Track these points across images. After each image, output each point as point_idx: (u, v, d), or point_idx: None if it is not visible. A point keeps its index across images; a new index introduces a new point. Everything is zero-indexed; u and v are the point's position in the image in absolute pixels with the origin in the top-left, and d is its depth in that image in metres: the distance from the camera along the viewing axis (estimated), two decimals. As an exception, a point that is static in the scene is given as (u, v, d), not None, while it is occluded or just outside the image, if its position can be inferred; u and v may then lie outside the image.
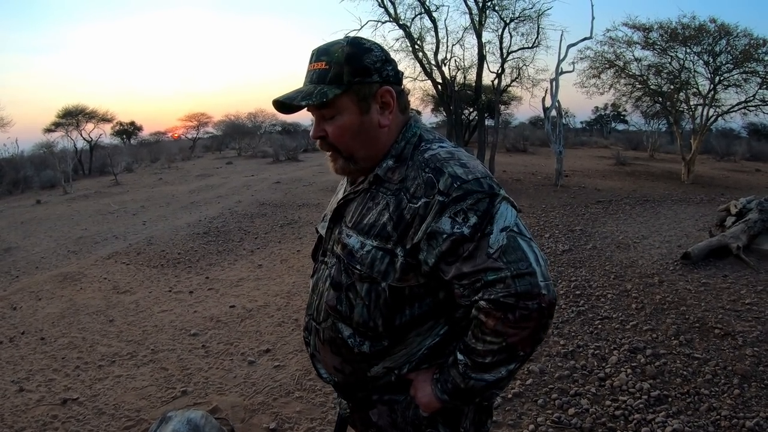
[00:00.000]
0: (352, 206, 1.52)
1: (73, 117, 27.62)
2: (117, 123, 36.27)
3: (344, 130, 1.44)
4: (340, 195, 1.63)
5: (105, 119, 29.51)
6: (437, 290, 1.43)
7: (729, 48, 14.83)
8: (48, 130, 28.01)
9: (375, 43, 1.46)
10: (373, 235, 1.41)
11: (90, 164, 26.91)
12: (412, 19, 15.67)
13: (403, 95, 1.51)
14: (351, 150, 1.46)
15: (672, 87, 16.27)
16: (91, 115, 28.32)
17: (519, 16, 15.40)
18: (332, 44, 1.44)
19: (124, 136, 40.41)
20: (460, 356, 1.39)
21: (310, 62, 1.45)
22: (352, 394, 1.64)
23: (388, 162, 1.45)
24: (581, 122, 49.72)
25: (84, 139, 28.14)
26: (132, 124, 40.45)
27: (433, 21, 15.49)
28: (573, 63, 16.69)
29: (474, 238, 1.29)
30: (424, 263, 1.36)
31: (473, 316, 1.34)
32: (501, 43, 15.65)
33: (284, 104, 1.43)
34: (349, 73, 1.39)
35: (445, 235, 1.30)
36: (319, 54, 1.43)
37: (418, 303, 1.44)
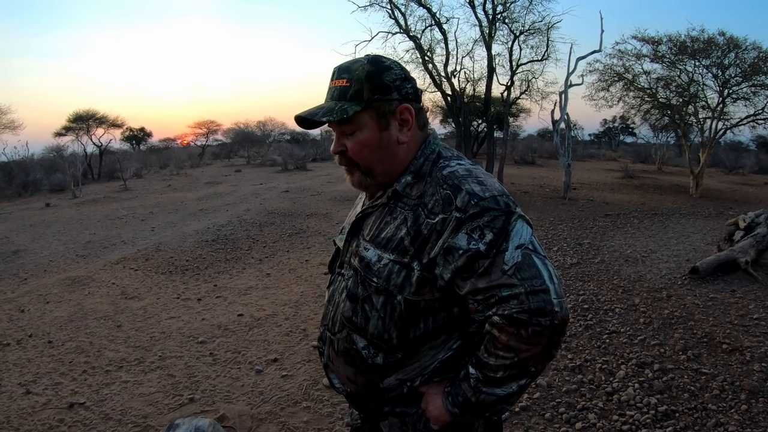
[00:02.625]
0: (370, 220, 1.53)
1: (83, 121, 27.73)
2: (127, 128, 36.55)
3: (363, 146, 1.46)
4: (359, 208, 1.64)
5: (115, 124, 29.67)
6: (452, 305, 1.44)
7: (738, 61, 14.84)
8: (58, 134, 28.12)
9: (395, 62, 1.49)
10: (390, 249, 1.43)
11: (99, 169, 26.99)
12: (423, 31, 15.75)
13: (421, 112, 1.54)
14: (369, 165, 1.49)
15: (681, 100, 16.26)
16: (101, 120, 28.44)
17: (529, 29, 15.48)
18: (353, 62, 1.47)
19: (134, 142, 40.64)
20: (471, 370, 1.40)
21: (332, 79, 1.48)
22: (363, 405, 1.65)
23: (407, 177, 1.48)
24: (590, 135, 49.84)
25: (94, 143, 28.30)
26: (142, 129, 40.73)
27: (443, 33, 15.55)
28: (582, 76, 16.67)
29: (489, 255, 1.30)
30: (440, 278, 1.38)
31: (486, 330, 1.36)
32: (510, 55, 15.71)
33: (306, 120, 1.46)
34: (369, 91, 1.42)
35: (461, 251, 1.32)
36: (341, 71, 1.46)
37: (433, 317, 1.45)
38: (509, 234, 1.32)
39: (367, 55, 1.48)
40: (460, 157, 1.52)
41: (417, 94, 1.51)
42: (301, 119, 1.47)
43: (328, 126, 1.48)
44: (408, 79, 1.48)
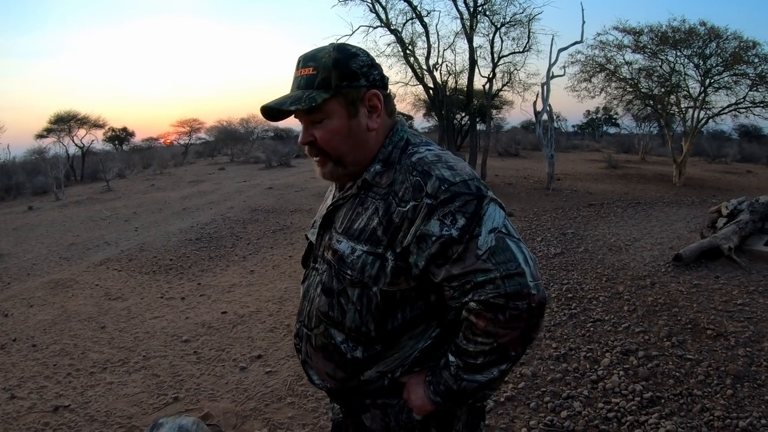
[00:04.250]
0: (342, 212, 1.52)
1: (65, 123, 27.50)
2: (109, 129, 36.17)
3: (333, 134, 1.44)
4: (329, 201, 1.63)
5: (97, 125, 29.40)
6: (429, 293, 1.43)
7: (719, 51, 14.91)
8: (40, 136, 27.88)
9: (361, 48, 1.47)
10: (363, 240, 1.41)
11: (82, 170, 26.81)
12: (404, 24, 15.73)
13: (389, 99, 1.52)
14: (339, 153, 1.46)
15: (663, 90, 16.33)
16: (83, 121, 28.21)
17: (510, 21, 15.47)
18: (319, 50, 1.45)
19: (117, 142, 40.33)
20: (451, 358, 1.39)
21: (297, 68, 1.45)
22: (345, 399, 1.63)
23: (376, 166, 1.46)
24: (573, 126, 49.99)
25: (76, 145, 28.06)
26: (124, 130, 40.40)
27: (425, 26, 15.54)
28: (564, 67, 16.69)
29: (462, 240, 1.29)
30: (415, 266, 1.37)
31: (463, 317, 1.34)
32: (492, 47, 15.70)
33: (273, 111, 1.43)
34: (336, 78, 1.40)
35: (434, 238, 1.31)
36: (306, 60, 1.44)
37: (410, 307, 1.44)
38: (482, 218, 1.30)
39: (332, 43, 1.46)
40: (428, 143, 1.51)
41: (384, 80, 1.49)
42: (267, 110, 1.44)
43: (295, 116, 1.46)
44: (375, 65, 1.47)
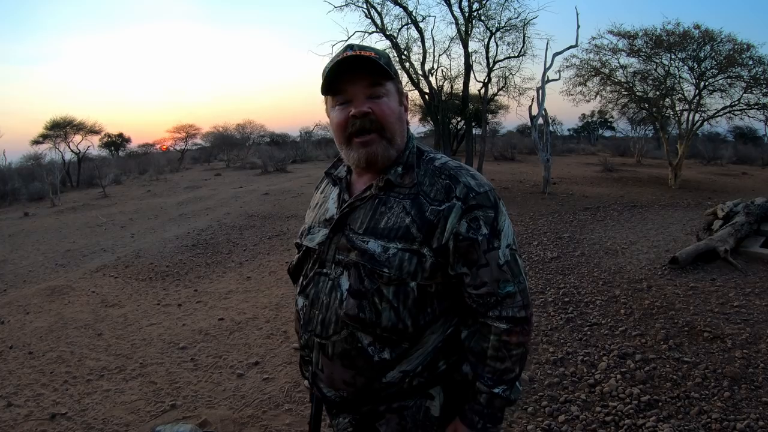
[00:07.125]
0: (359, 213, 1.51)
1: (60, 129, 27.50)
2: (105, 135, 36.25)
3: (392, 111, 1.50)
4: (330, 206, 1.62)
5: (93, 131, 29.39)
6: (457, 288, 1.52)
7: (713, 53, 14.94)
8: (36, 142, 27.92)
9: None
10: (396, 238, 1.44)
11: (78, 176, 26.78)
12: (399, 30, 15.80)
13: None
14: (393, 132, 1.51)
15: (658, 93, 16.36)
16: (78, 127, 28.19)
17: (505, 26, 15.55)
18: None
19: (113, 148, 40.31)
20: (483, 387, 1.49)
21: (351, 50, 1.47)
22: (357, 409, 1.59)
23: (398, 169, 1.51)
24: (568, 129, 50.18)
25: (72, 151, 28.06)
26: (120, 135, 40.40)
27: (420, 31, 15.60)
28: (559, 71, 16.70)
29: (488, 247, 1.43)
30: (451, 268, 1.46)
31: (494, 341, 1.47)
32: (487, 52, 15.77)
33: (350, 65, 1.45)
34: (393, 68, 1.51)
35: (461, 237, 1.42)
36: (362, 47, 1.49)
37: (438, 301, 1.49)
38: (500, 232, 1.46)
39: None
40: (438, 152, 1.61)
41: None
42: (348, 62, 1.45)
43: (347, 90, 1.49)
44: None
